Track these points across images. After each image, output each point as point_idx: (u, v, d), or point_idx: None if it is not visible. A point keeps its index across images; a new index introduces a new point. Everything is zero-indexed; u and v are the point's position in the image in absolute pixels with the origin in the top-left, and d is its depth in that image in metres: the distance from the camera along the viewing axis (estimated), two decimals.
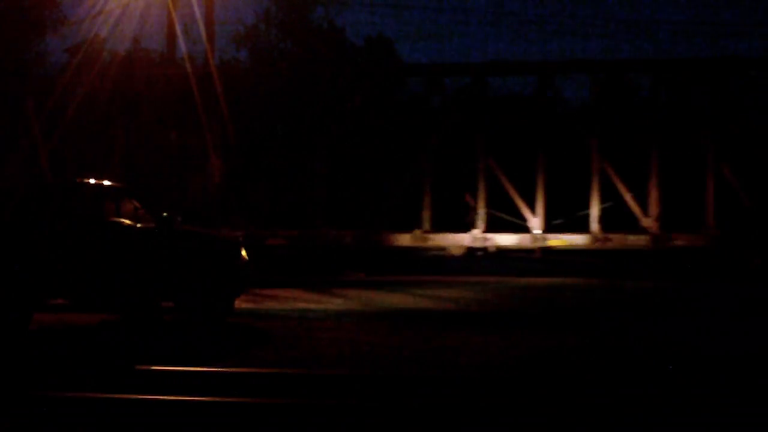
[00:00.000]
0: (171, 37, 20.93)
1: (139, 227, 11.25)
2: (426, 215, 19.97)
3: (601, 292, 16.48)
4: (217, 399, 6.77)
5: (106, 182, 11.89)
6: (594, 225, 19.69)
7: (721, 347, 9.72)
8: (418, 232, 20.00)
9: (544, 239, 19.77)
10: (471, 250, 20.58)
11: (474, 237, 20.00)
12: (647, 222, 19.65)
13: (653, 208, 19.60)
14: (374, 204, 20.71)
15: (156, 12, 23.08)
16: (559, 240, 19.80)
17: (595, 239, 19.70)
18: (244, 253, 11.83)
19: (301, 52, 30.82)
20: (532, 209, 19.92)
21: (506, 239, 20.01)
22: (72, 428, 6.28)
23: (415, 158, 20.40)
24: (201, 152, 20.79)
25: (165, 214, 11.24)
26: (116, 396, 6.87)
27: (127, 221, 11.30)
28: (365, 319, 12.15)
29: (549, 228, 19.85)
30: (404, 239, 20.10)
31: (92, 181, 11.67)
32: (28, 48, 26.47)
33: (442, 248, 20.88)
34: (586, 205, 19.77)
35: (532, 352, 9.35)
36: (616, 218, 19.90)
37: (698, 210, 19.68)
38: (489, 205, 20.14)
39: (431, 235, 20.06)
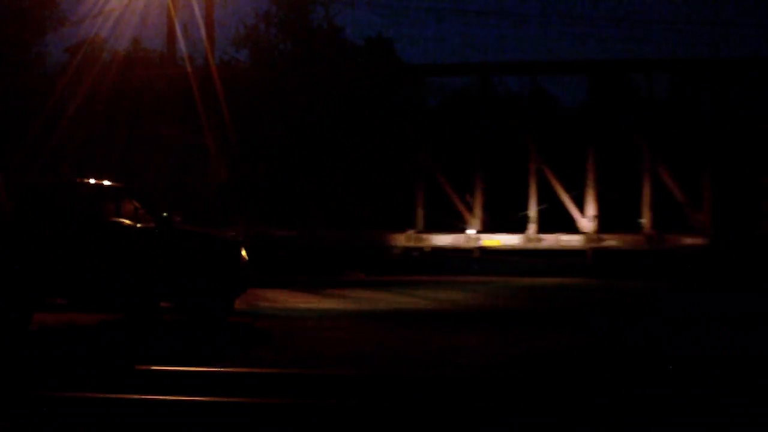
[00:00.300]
0: (171, 37, 20.91)
1: (139, 227, 11.25)
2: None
3: (600, 292, 16.51)
4: (217, 399, 6.77)
5: (106, 182, 11.88)
6: (531, 226, 19.88)
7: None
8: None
9: (478, 239, 19.91)
10: (407, 250, 20.76)
11: (409, 236, 20.29)
12: (584, 223, 19.83)
13: (590, 209, 19.81)
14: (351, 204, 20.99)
15: (156, 12, 23.05)
16: (493, 240, 19.99)
17: (529, 239, 19.92)
18: (244, 253, 11.83)
19: (301, 52, 30.80)
20: (470, 210, 20.23)
21: (442, 239, 20.19)
22: (72, 428, 6.28)
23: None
24: (202, 152, 20.80)
25: (165, 214, 11.25)
26: (116, 396, 6.87)
27: (127, 221, 11.30)
28: (365, 319, 12.15)
29: (486, 229, 20.02)
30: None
31: (92, 181, 11.66)
32: (28, 48, 26.45)
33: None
34: (526, 206, 19.98)
35: (532, 352, 9.36)
36: (561, 219, 20.18)
37: (635, 211, 19.93)
38: (429, 206, 20.41)
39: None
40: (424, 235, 20.34)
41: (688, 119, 20.99)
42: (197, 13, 21.22)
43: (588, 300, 15.17)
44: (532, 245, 20.19)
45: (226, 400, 6.74)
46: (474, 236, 20.05)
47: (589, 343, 10.01)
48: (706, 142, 19.97)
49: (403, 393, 7.25)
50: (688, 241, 19.63)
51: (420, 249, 20.72)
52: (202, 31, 20.66)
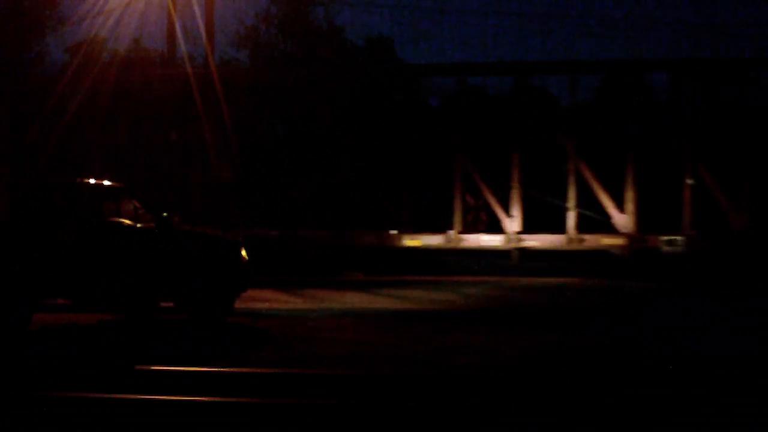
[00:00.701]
0: (171, 37, 20.91)
1: (139, 227, 11.25)
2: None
3: (599, 292, 16.51)
4: (217, 399, 6.77)
5: (106, 182, 11.88)
6: (455, 227, 20.34)
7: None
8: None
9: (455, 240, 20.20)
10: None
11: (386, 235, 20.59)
12: (508, 224, 19.96)
13: (516, 210, 20.01)
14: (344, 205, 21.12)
15: (156, 12, 23.05)
16: (414, 240, 20.34)
17: (449, 240, 20.43)
18: (244, 253, 11.83)
19: (301, 52, 30.79)
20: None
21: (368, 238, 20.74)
22: (72, 428, 6.28)
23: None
24: (202, 152, 20.79)
25: (165, 214, 11.25)
26: (116, 396, 6.87)
27: (127, 221, 11.30)
28: (365, 319, 12.15)
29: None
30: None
31: (92, 181, 11.66)
32: (28, 48, 26.46)
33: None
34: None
35: (531, 352, 9.36)
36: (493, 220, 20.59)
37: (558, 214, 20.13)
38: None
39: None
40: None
41: (614, 121, 21.23)
42: (197, 13, 21.23)
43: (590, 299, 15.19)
44: (452, 245, 20.49)
45: (226, 400, 6.74)
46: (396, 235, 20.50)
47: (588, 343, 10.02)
48: (629, 145, 20.05)
49: (403, 393, 7.25)
50: (607, 241, 19.73)
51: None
52: (202, 31, 20.66)
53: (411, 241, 20.45)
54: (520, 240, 20.06)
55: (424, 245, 20.49)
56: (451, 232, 20.44)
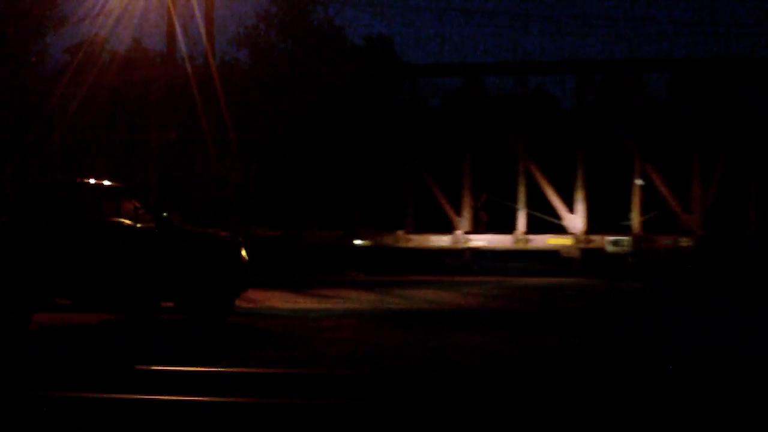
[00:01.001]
0: (171, 37, 20.89)
1: (139, 227, 11.25)
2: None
3: (599, 292, 16.53)
4: (217, 399, 6.77)
5: (106, 182, 11.89)
6: (407, 227, 20.69)
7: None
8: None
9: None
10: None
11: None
12: (460, 223, 20.37)
13: (466, 211, 20.11)
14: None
15: (156, 12, 23.06)
16: (362, 242, 20.68)
17: (398, 239, 20.73)
18: (244, 253, 11.84)
19: (301, 52, 30.81)
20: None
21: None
22: (72, 428, 6.28)
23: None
24: (202, 152, 20.80)
25: (165, 214, 11.25)
26: (116, 396, 6.87)
27: (127, 221, 11.30)
28: (365, 319, 12.15)
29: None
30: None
31: (92, 181, 11.67)
32: (28, 48, 26.46)
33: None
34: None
35: (531, 352, 9.36)
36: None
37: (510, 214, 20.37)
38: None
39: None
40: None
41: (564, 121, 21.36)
42: (197, 13, 21.22)
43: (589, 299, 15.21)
44: (402, 244, 20.73)
45: (226, 400, 6.73)
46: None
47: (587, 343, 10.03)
48: (578, 146, 20.09)
49: (403, 393, 7.25)
50: (554, 241, 19.83)
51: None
52: (202, 31, 20.65)
53: (358, 242, 20.60)
54: (468, 240, 20.11)
55: (367, 244, 20.59)
56: (400, 232, 20.65)
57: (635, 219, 19.91)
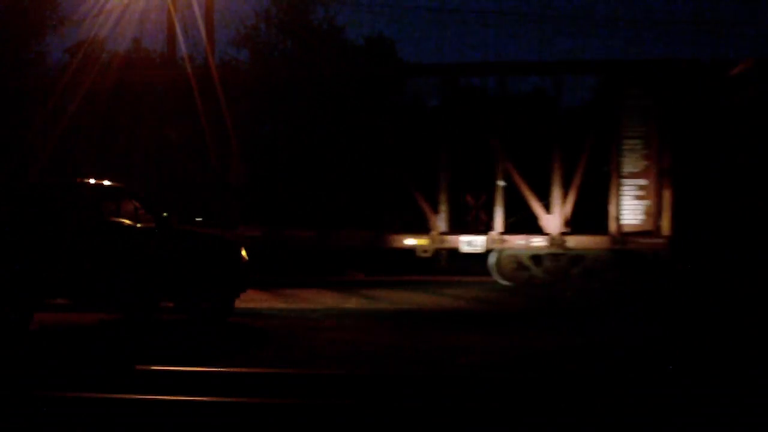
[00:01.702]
0: (171, 37, 20.93)
1: (139, 227, 11.26)
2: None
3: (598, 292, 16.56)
4: (217, 399, 6.77)
5: (106, 182, 11.89)
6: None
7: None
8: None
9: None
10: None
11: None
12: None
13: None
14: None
15: (156, 12, 23.09)
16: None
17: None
18: (244, 253, 11.84)
19: (301, 52, 30.83)
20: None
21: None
22: (72, 428, 6.29)
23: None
24: (202, 152, 20.79)
25: (165, 214, 11.26)
26: (116, 396, 6.87)
27: (127, 221, 11.31)
28: (365, 319, 12.16)
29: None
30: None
31: (92, 181, 11.67)
32: (28, 48, 26.48)
33: None
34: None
35: (532, 352, 9.36)
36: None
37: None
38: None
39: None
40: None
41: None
42: (197, 13, 21.25)
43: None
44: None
45: (226, 400, 6.74)
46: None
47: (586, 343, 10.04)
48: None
49: (403, 393, 7.25)
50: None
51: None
52: (202, 31, 20.68)
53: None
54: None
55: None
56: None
57: (498, 219, 19.76)
